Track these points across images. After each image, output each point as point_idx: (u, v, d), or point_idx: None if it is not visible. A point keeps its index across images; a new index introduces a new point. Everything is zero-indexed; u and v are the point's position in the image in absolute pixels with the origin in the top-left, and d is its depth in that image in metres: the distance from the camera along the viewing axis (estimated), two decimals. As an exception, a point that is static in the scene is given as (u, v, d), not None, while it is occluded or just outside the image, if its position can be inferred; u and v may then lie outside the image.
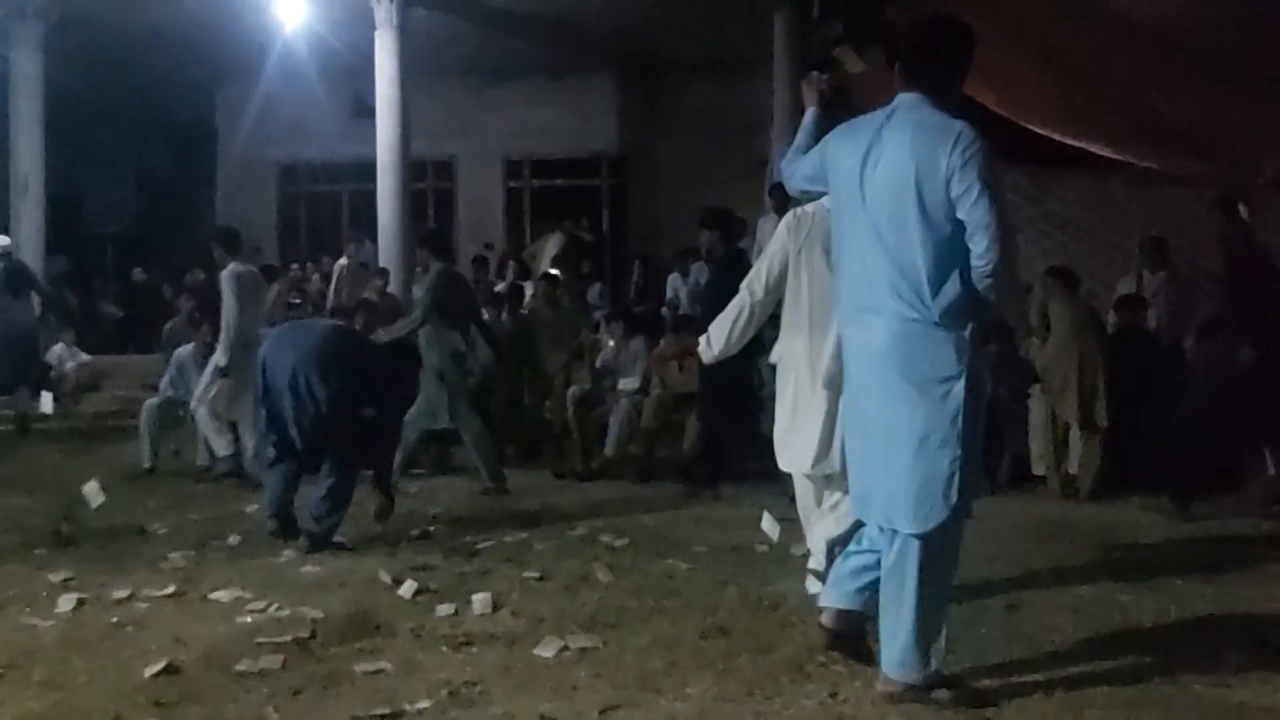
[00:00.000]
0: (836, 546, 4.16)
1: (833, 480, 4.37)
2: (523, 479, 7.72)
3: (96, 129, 15.02)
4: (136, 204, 17.65)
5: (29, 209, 12.43)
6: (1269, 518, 6.34)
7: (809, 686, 3.52)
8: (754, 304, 4.61)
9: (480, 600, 4.49)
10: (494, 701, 3.42)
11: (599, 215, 15.82)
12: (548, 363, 9.00)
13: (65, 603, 4.56)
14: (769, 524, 5.04)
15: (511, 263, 12.21)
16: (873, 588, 3.44)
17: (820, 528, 4.44)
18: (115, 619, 4.37)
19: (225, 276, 7.54)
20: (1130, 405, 7.22)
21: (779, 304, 4.60)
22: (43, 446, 9.62)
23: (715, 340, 4.71)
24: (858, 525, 3.69)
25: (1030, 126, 9.72)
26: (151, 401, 8.34)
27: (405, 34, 12.08)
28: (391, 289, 11.84)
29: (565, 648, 3.91)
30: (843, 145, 3.51)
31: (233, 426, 7.69)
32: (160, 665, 3.71)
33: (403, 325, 7.33)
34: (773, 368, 4.68)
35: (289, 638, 4.04)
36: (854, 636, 3.59)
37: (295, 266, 13.70)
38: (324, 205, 16.41)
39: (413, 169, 12.85)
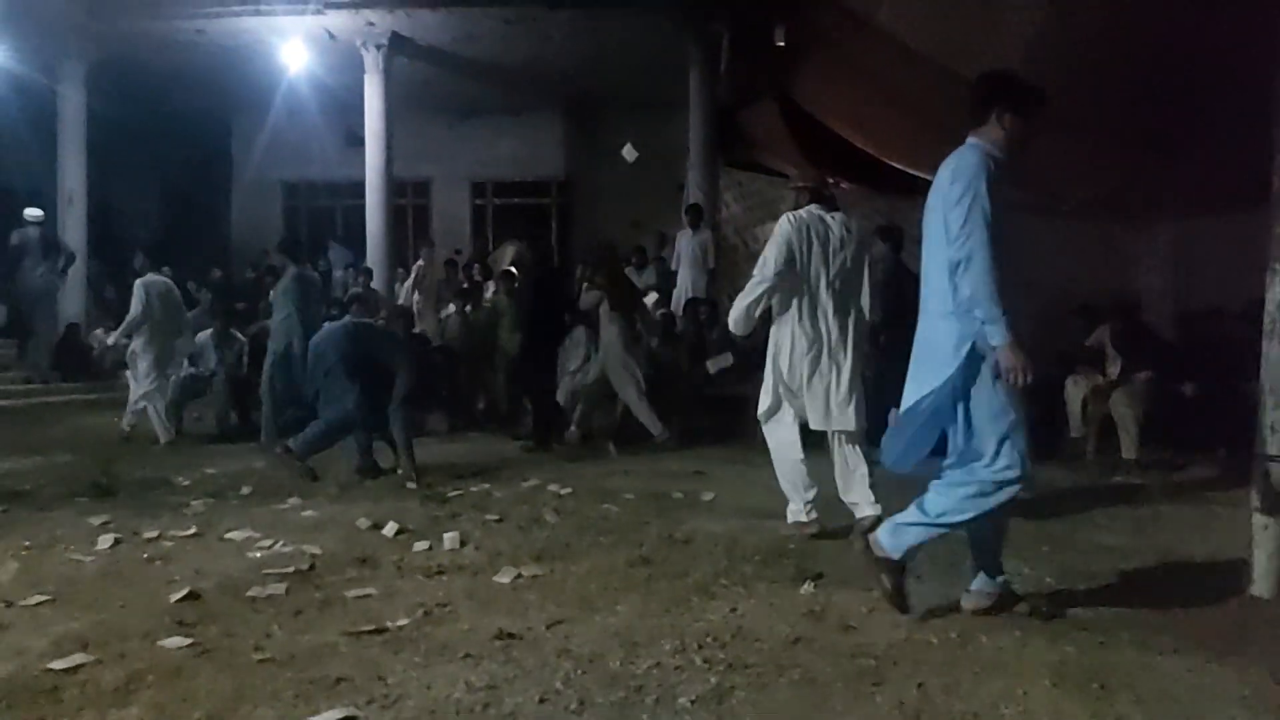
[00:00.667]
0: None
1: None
2: (487, 442, 7.68)
3: (130, 152, 14.62)
4: (163, 215, 17.26)
5: (74, 218, 12.23)
6: (1068, 469, 6.54)
7: (714, 604, 3.56)
8: (768, 288, 4.49)
9: (450, 538, 4.46)
10: (461, 619, 3.40)
11: (548, 228, 15.75)
12: (507, 344, 8.92)
13: (104, 542, 4.44)
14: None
15: (477, 265, 12.08)
16: None
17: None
18: (146, 555, 4.27)
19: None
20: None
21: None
22: (84, 414, 9.36)
23: (737, 319, 4.55)
24: None
25: (891, 163, 9.84)
26: (176, 377, 8.15)
27: (389, 77, 11.93)
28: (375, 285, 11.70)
29: (519, 575, 3.90)
30: None
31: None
32: (184, 592, 3.63)
33: (276, 320, 7.38)
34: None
35: (291, 569, 3.98)
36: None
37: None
38: (321, 218, 16.11)
39: (395, 188, 12.68)
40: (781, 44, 9.02)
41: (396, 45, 11.81)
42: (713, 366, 7.84)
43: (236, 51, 11.92)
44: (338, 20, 11.35)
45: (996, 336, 3.10)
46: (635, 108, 13.96)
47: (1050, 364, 7.70)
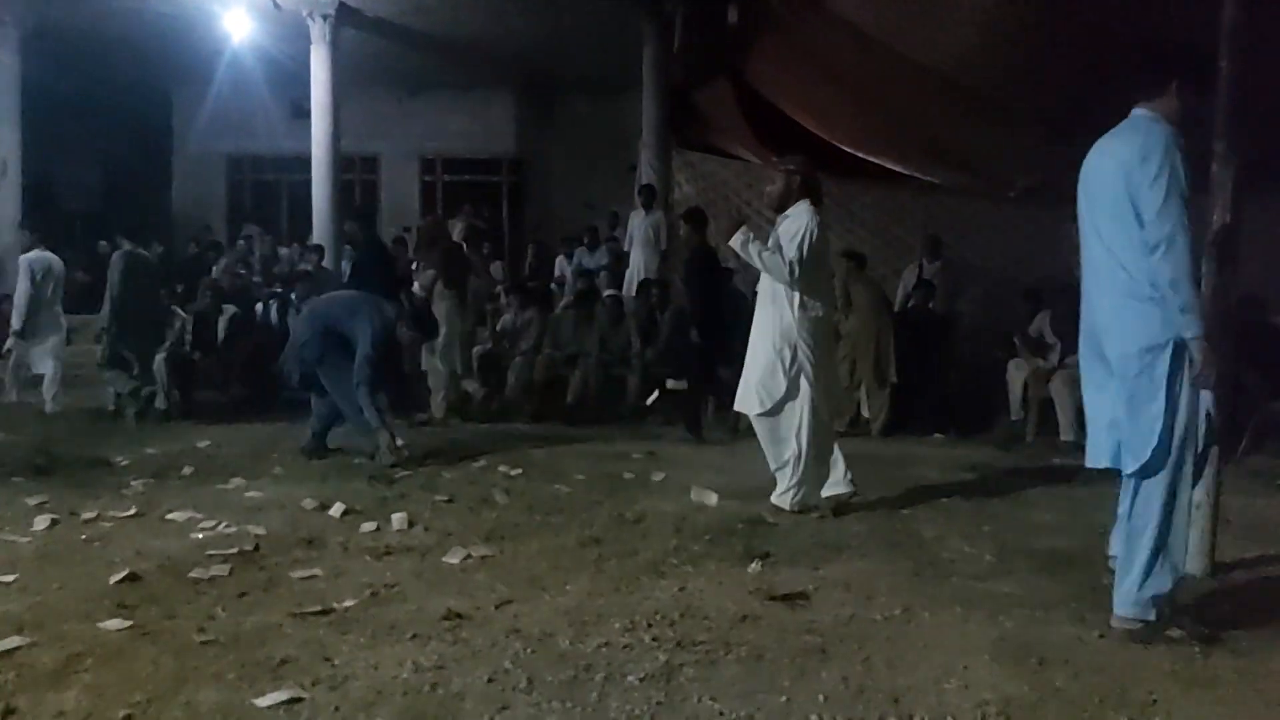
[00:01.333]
0: None
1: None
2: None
3: (67, 122, 14.15)
4: (101, 187, 16.82)
5: (7, 190, 11.80)
6: (1009, 449, 6.69)
7: (663, 583, 3.59)
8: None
9: (398, 518, 4.43)
10: (409, 599, 3.38)
11: (500, 207, 15.60)
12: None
13: (40, 522, 4.33)
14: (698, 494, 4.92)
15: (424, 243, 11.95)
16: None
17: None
18: (84, 536, 4.17)
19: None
20: (914, 365, 7.47)
21: None
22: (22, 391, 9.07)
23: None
24: None
25: (841, 146, 9.90)
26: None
27: (337, 49, 11.66)
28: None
29: (468, 556, 3.89)
30: None
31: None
32: (123, 573, 3.56)
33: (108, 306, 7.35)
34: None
35: (235, 550, 3.92)
36: None
37: (241, 242, 13.13)
38: (266, 192, 15.81)
39: (342, 163, 12.45)
40: (735, 23, 9.01)
41: (344, 16, 11.55)
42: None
43: (178, 19, 11.56)
44: (283, -11, 11.09)
45: (1192, 327, 2.90)
46: (588, 86, 13.89)
47: (995, 347, 7.88)
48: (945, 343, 7.78)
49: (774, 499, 4.65)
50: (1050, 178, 8.49)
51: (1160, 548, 3.01)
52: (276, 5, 11.32)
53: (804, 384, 4.54)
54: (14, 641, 2.93)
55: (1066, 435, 6.67)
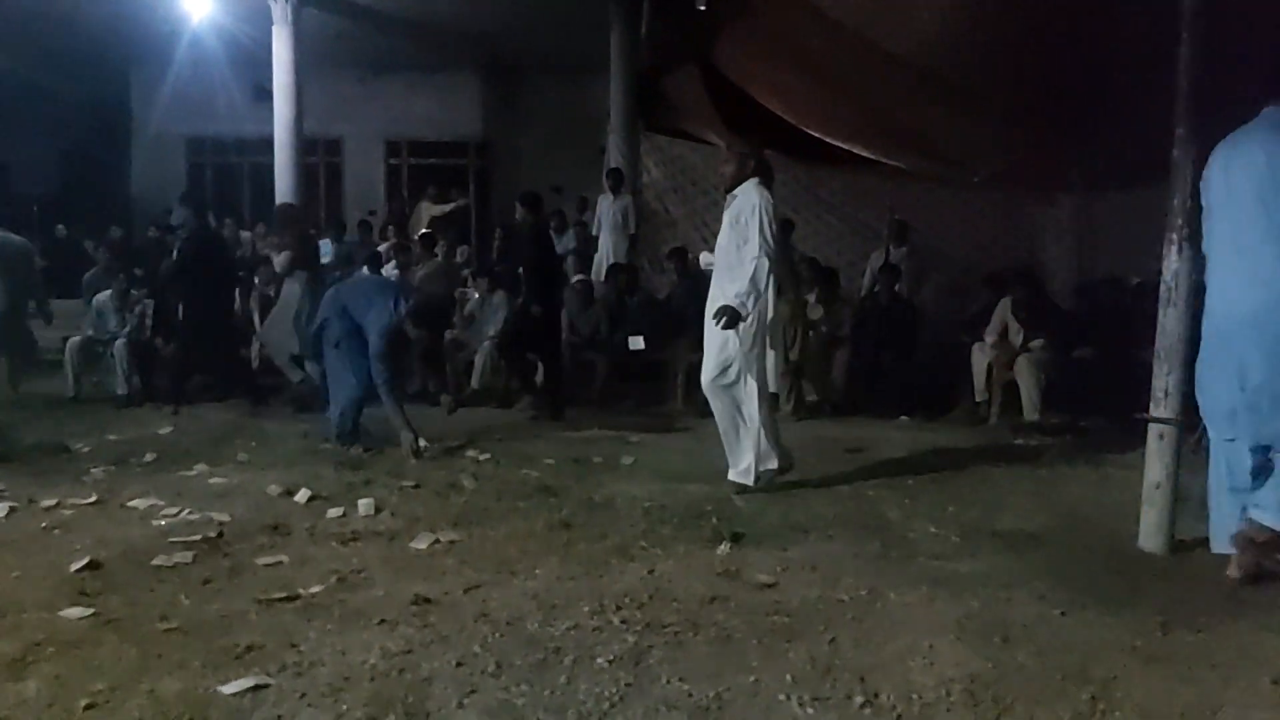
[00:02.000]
0: None
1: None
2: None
3: (23, 104, 13.83)
4: (59, 170, 16.42)
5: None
6: (973, 431, 6.77)
7: (632, 565, 3.59)
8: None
9: (365, 504, 4.39)
10: (376, 585, 3.36)
11: (466, 191, 15.45)
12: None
13: (-3, 511, 4.24)
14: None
15: (390, 227, 11.81)
16: None
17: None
18: (44, 524, 4.10)
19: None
20: (880, 349, 7.53)
21: None
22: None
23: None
24: None
25: (809, 131, 9.91)
26: (74, 340, 7.81)
27: (299, 29, 11.45)
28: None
29: (436, 541, 3.87)
30: None
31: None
32: (84, 561, 3.51)
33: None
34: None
35: (199, 537, 3.88)
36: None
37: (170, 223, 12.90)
38: (227, 176, 15.53)
39: (305, 146, 12.25)
40: (703, 8, 8.97)
41: (307, -5, 11.38)
42: (632, 343, 7.90)
43: (135, -1, 11.32)
44: (244, -33, 10.88)
45: None
46: (556, 69, 13.77)
47: (958, 332, 7.96)
48: (910, 327, 7.84)
49: (732, 476, 4.72)
50: (1012, 165, 8.60)
51: None
52: (237, -16, 11.11)
53: (753, 357, 4.65)
54: (-30, 631, 2.87)
55: (1030, 415, 6.77)
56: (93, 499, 4.48)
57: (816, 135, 9.74)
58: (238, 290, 8.78)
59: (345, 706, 2.45)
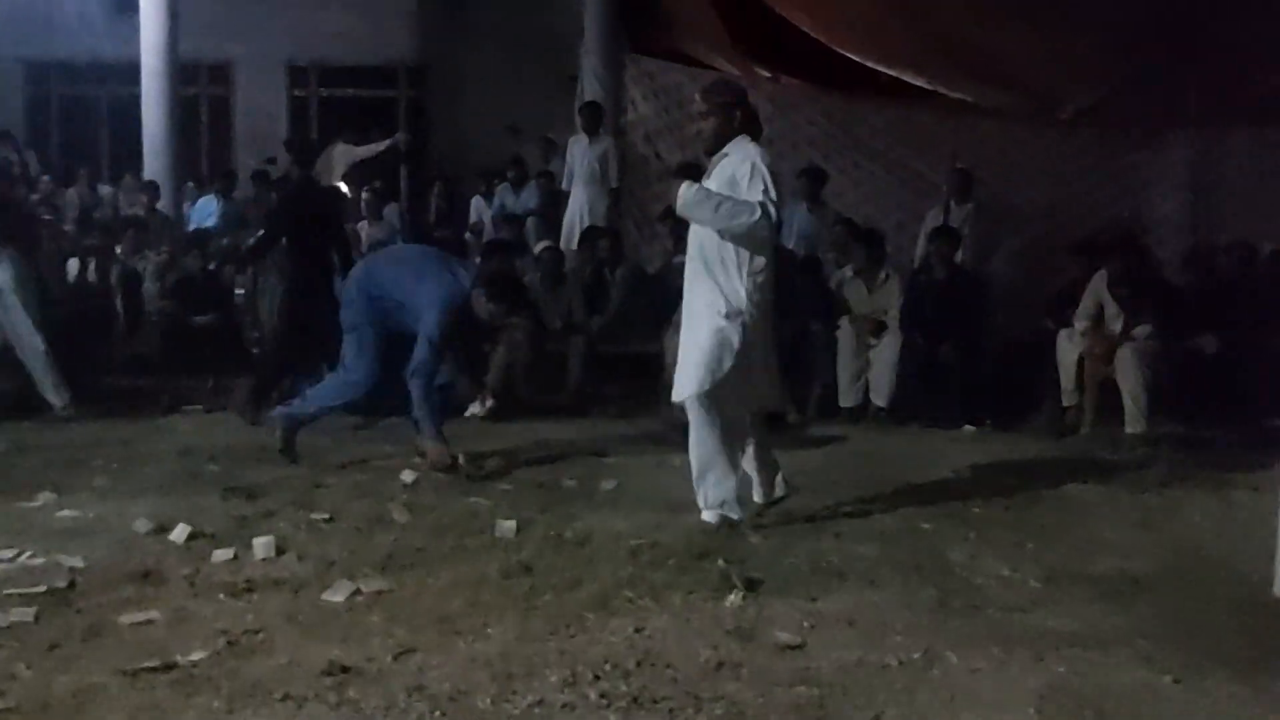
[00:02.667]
0: None
1: None
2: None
3: None
4: None
5: None
6: (1059, 445, 6.80)
7: (614, 622, 3.59)
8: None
9: (262, 544, 4.37)
10: (278, 650, 3.35)
11: (395, 130, 15.40)
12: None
13: None
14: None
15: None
16: None
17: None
18: None
19: None
20: (938, 337, 7.54)
21: None
22: None
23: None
24: None
25: (845, 53, 9.93)
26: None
27: (173, -79, 11.43)
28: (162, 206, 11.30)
29: (357, 591, 3.86)
30: None
31: None
32: (-109, 622, 3.48)
33: None
34: None
35: (43, 588, 3.85)
36: None
37: (47, 179, 12.84)
38: (79, 111, 15.43)
39: (183, 73, 12.23)
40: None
41: (183, -125, 11.35)
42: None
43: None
44: None
45: None
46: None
47: (1040, 315, 7.98)
48: (976, 308, 7.85)
49: (706, 515, 4.72)
50: (1114, 96, 8.64)
51: None
52: None
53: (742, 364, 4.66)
54: None
55: (1133, 427, 6.79)
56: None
57: (855, 57, 9.77)
58: (95, 264, 8.76)
59: (237, 810, 2.45)
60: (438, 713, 2.92)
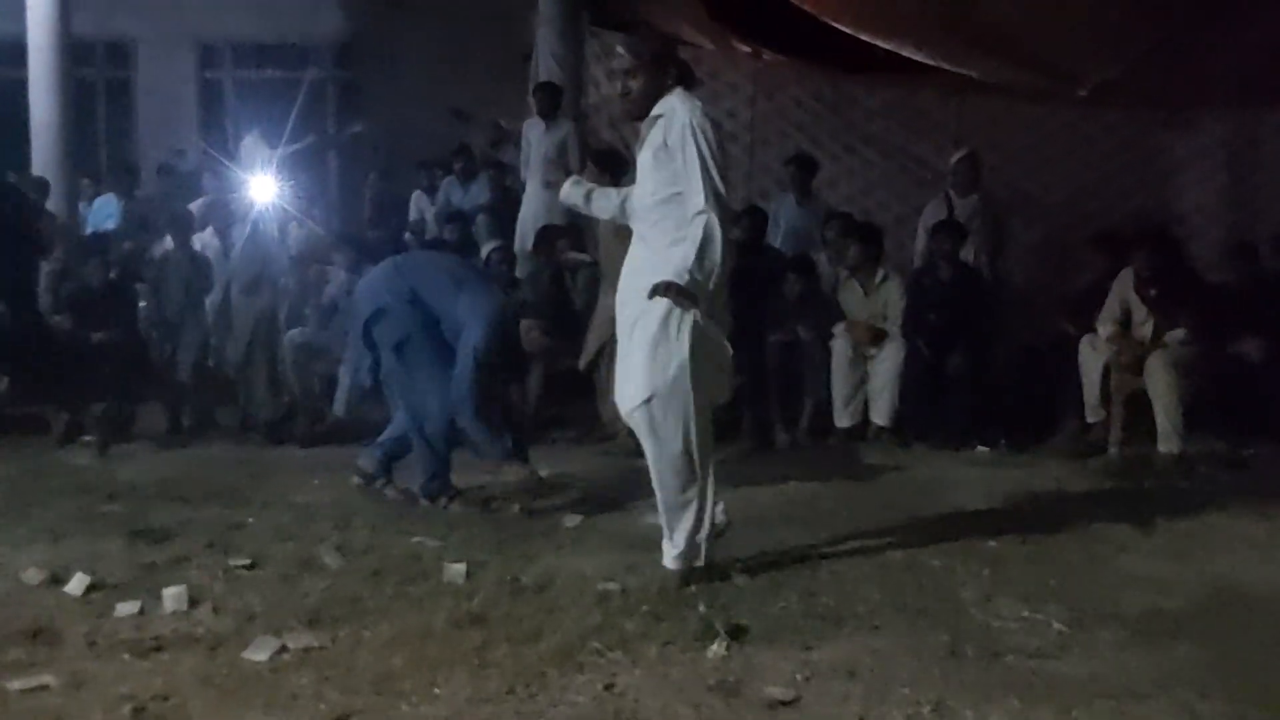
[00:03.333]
0: None
1: None
2: (226, 444, 7.51)
3: None
4: None
5: None
6: (1084, 467, 6.84)
7: (580, 679, 3.58)
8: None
9: (172, 595, 4.34)
10: (191, 717, 3.33)
11: (323, 115, 15.40)
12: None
13: None
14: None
15: (207, 174, 11.73)
16: None
17: None
18: None
19: None
20: (942, 345, 7.56)
21: None
22: None
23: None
24: None
25: (837, 24, 9.97)
26: None
27: (64, -123, 11.38)
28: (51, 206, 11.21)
29: (283, 649, 3.84)
30: None
31: None
32: None
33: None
34: None
35: (-83, 651, 3.81)
36: None
37: None
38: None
39: (77, 52, 12.15)
40: None
41: None
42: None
43: None
44: None
45: None
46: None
47: (1060, 320, 8.02)
48: (985, 312, 7.89)
49: (669, 561, 4.58)
50: (1140, 69, 8.71)
51: None
52: None
53: (688, 364, 4.42)
54: None
55: (1166, 446, 6.83)
56: None
57: (847, 29, 9.80)
58: None
59: None
60: (378, 787, 2.91)
